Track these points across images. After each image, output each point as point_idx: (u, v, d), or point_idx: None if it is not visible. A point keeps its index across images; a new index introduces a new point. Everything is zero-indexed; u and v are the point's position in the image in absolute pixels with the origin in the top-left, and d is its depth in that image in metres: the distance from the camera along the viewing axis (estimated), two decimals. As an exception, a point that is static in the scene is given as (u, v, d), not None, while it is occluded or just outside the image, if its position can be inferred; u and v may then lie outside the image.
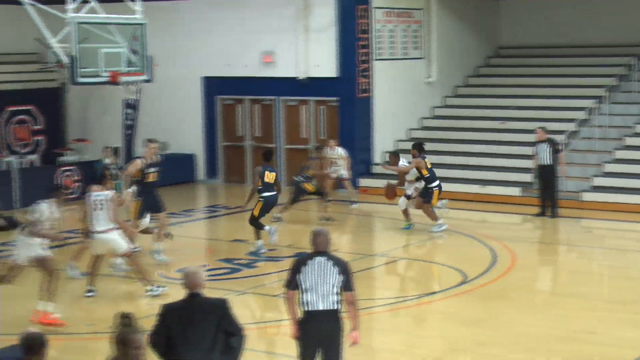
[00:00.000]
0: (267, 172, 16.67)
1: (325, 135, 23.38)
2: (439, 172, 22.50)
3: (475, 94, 25.69)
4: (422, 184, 18.26)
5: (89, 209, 13.67)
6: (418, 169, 18.03)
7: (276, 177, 16.82)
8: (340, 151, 21.25)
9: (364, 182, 23.11)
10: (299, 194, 19.51)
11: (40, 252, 12.61)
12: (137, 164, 15.77)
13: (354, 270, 8.95)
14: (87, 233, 14.04)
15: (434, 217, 18.27)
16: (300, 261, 8.68)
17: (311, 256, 8.66)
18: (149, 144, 15.90)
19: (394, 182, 19.32)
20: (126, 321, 6.86)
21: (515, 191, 21.63)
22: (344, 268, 8.67)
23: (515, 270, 15.42)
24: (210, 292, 7.86)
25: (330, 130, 23.42)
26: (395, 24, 24.07)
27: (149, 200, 15.80)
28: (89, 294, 13.95)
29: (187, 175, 24.81)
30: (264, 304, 13.98)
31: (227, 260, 16.32)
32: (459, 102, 25.60)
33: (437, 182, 18.20)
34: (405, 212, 18.55)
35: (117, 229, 13.69)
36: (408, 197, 18.53)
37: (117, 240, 13.71)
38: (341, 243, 17.89)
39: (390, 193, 18.92)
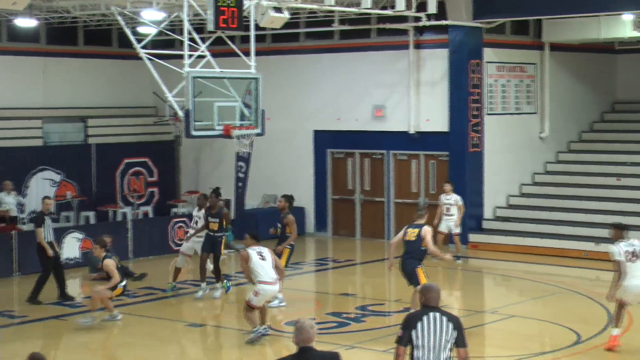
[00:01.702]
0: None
1: (435, 190, 23.21)
2: (552, 229, 22.13)
3: (590, 150, 25.19)
4: None
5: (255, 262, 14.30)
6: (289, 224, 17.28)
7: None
8: (455, 198, 20.97)
9: (475, 237, 22.79)
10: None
11: None
12: (428, 229, 14.99)
13: (464, 327, 8.77)
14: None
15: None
16: (414, 317, 8.49)
17: (425, 312, 8.47)
18: (422, 212, 15.41)
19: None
20: None
21: (631, 249, 20.98)
22: (457, 324, 8.49)
23: (631, 331, 14.89)
24: (318, 346, 7.79)
25: (440, 185, 23.23)
26: (507, 78, 23.86)
27: None
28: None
29: (298, 228, 24.79)
30: (373, 359, 13.84)
31: (336, 314, 16.26)
32: (572, 157, 25.12)
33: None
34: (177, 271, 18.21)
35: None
36: None
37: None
38: (451, 299, 17.65)
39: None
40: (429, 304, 8.50)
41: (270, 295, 14.46)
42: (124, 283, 15.67)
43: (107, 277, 15.62)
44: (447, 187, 21.12)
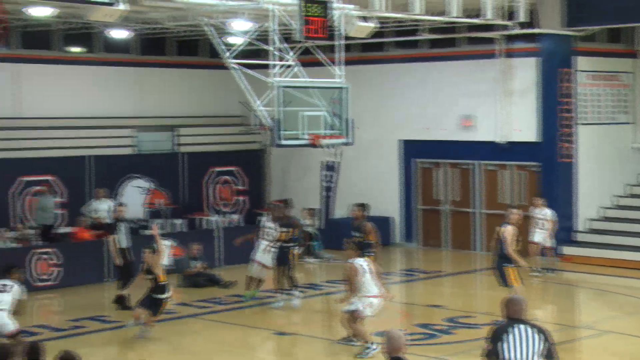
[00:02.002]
0: None
1: (524, 201, 22.88)
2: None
3: (686, 160, 24.54)
4: None
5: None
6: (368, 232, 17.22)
7: None
8: (547, 212, 20.56)
9: (567, 250, 22.39)
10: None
11: None
12: (509, 230, 15.43)
13: (557, 342, 8.59)
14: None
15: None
16: (501, 330, 8.32)
17: (511, 324, 8.31)
18: (513, 210, 15.52)
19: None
20: None
21: None
22: (546, 336, 8.31)
23: None
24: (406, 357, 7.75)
25: (530, 196, 22.91)
26: (601, 87, 23.41)
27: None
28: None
29: (384, 238, 24.58)
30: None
31: (424, 326, 16.12)
32: (667, 168, 24.51)
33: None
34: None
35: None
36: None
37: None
38: (543, 313, 17.37)
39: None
40: (514, 316, 8.35)
41: (377, 308, 14.26)
42: (165, 295, 15.40)
43: (155, 281, 15.39)
44: (539, 201, 20.73)
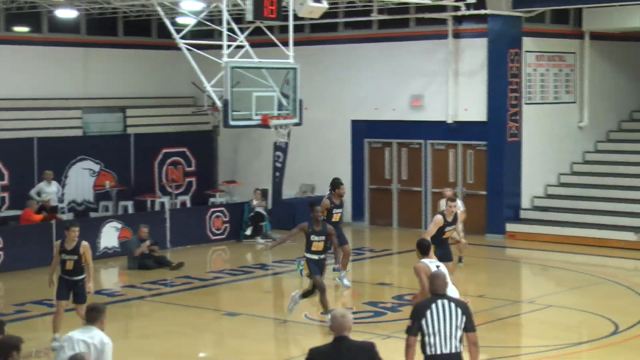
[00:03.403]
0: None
1: (472, 180, 23.17)
2: (591, 218, 21.94)
3: (629, 139, 24.93)
4: None
5: None
6: None
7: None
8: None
9: (512, 227, 22.68)
10: None
11: None
12: (438, 220, 15.09)
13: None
14: None
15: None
16: (423, 306, 8.62)
17: (433, 300, 8.61)
18: (450, 203, 15.23)
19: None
20: None
21: (671, 240, 20.80)
22: (465, 309, 8.63)
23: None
24: (354, 335, 7.83)
25: (477, 174, 23.18)
26: (546, 67, 23.69)
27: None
28: None
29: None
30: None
31: (372, 304, 16.27)
32: (611, 147, 24.89)
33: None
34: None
35: None
36: None
37: None
38: (488, 289, 17.60)
39: None
40: (437, 291, 8.66)
41: None
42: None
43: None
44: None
